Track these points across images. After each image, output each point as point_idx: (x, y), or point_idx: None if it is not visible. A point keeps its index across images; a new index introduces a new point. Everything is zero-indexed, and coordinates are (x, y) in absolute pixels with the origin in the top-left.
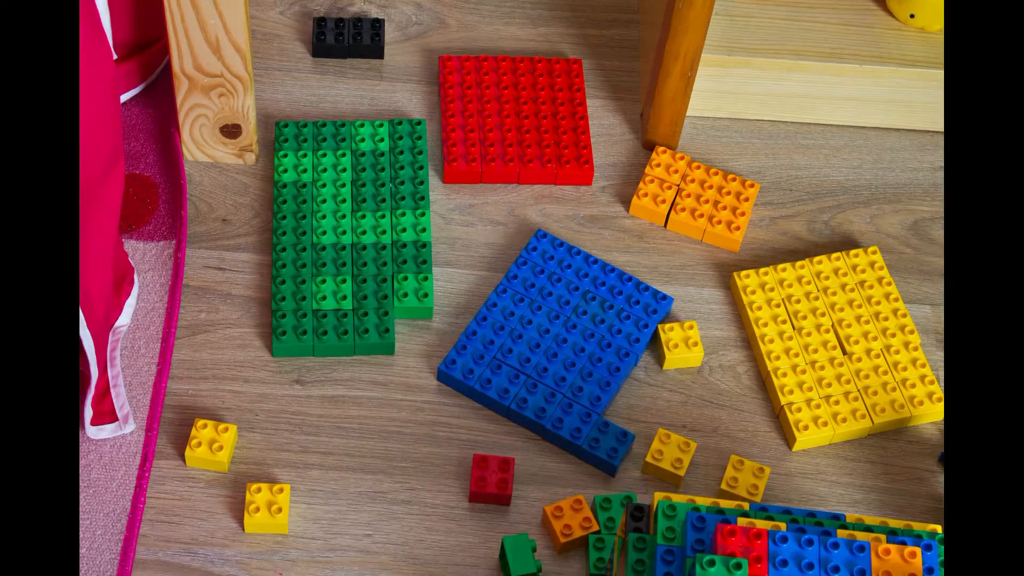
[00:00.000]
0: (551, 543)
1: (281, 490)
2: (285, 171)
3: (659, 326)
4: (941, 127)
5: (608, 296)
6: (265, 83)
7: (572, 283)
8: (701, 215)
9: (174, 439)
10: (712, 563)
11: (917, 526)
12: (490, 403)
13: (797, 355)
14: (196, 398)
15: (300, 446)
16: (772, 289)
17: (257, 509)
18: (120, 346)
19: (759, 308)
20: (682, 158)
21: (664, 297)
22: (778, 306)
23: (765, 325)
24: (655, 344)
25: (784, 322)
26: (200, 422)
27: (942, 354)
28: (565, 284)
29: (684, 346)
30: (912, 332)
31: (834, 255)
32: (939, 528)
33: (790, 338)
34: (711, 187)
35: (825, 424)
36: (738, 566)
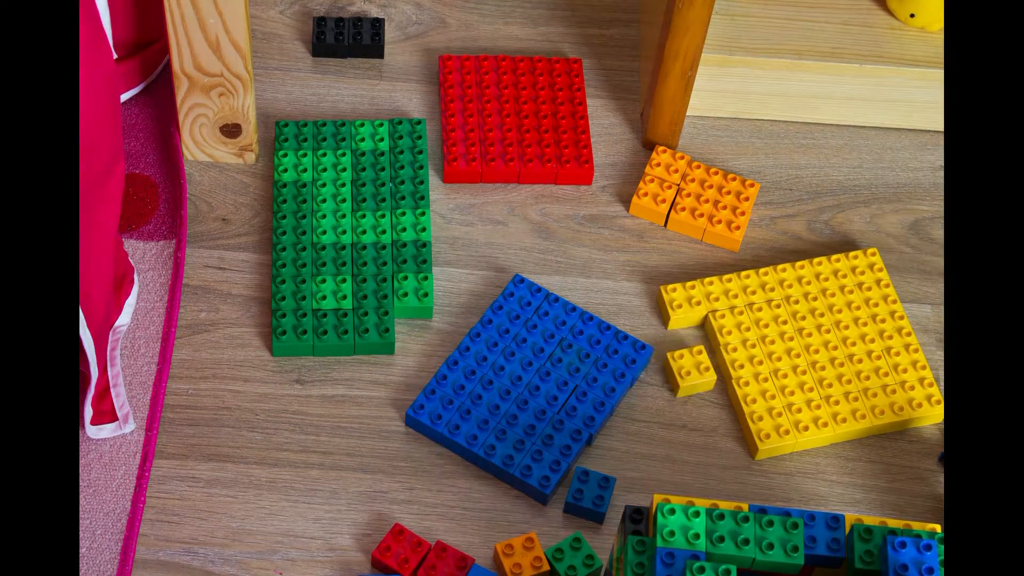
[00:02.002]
0: None
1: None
2: (285, 171)
3: (668, 354)
4: (941, 127)
5: (585, 345)
6: (265, 83)
7: (548, 331)
8: (701, 215)
9: (174, 439)
10: (702, 570)
11: (916, 526)
12: (458, 449)
13: (798, 355)
14: (196, 398)
15: (300, 446)
16: (772, 289)
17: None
18: (120, 346)
19: (759, 309)
20: (682, 158)
21: (643, 347)
22: (779, 306)
23: (766, 326)
24: (665, 372)
25: (785, 323)
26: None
27: (942, 354)
28: (541, 332)
29: (696, 372)
30: (910, 334)
31: (833, 257)
32: (938, 528)
33: (791, 339)
34: (711, 187)
35: (825, 424)
36: (727, 572)
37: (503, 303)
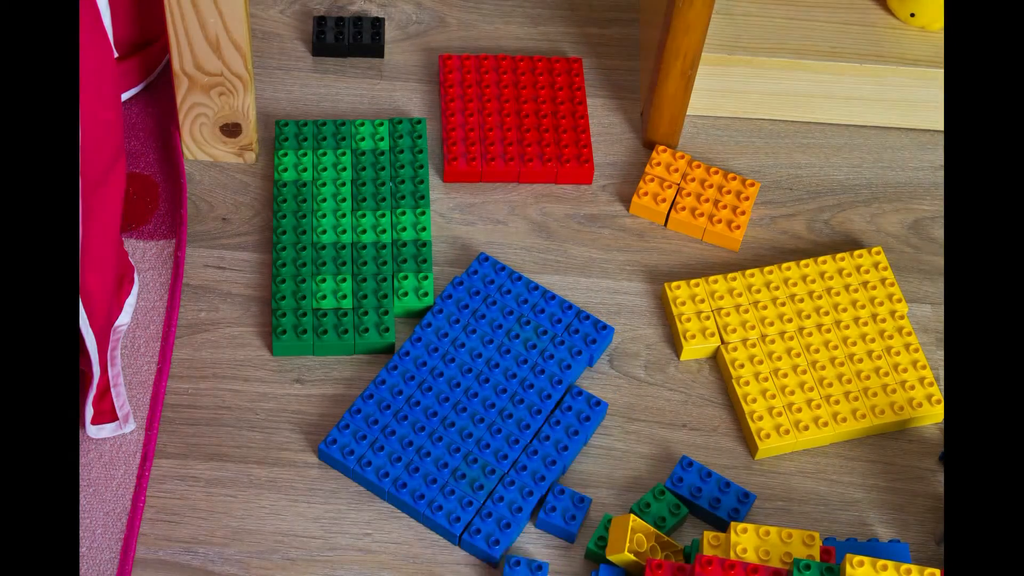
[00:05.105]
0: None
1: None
2: (285, 170)
3: (677, 316)
4: (941, 127)
5: (545, 323)
6: (265, 82)
7: (508, 308)
8: (701, 214)
9: (174, 439)
10: None
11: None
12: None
13: (798, 355)
14: (196, 397)
15: (300, 446)
16: (778, 288)
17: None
18: (120, 345)
19: (764, 307)
20: (682, 157)
21: (604, 327)
22: (783, 304)
23: (771, 325)
24: (670, 339)
25: (790, 321)
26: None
27: (942, 354)
28: (500, 308)
29: (701, 336)
30: (910, 334)
31: (838, 255)
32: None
33: (791, 338)
34: (711, 186)
35: (825, 424)
36: None
37: (465, 280)
